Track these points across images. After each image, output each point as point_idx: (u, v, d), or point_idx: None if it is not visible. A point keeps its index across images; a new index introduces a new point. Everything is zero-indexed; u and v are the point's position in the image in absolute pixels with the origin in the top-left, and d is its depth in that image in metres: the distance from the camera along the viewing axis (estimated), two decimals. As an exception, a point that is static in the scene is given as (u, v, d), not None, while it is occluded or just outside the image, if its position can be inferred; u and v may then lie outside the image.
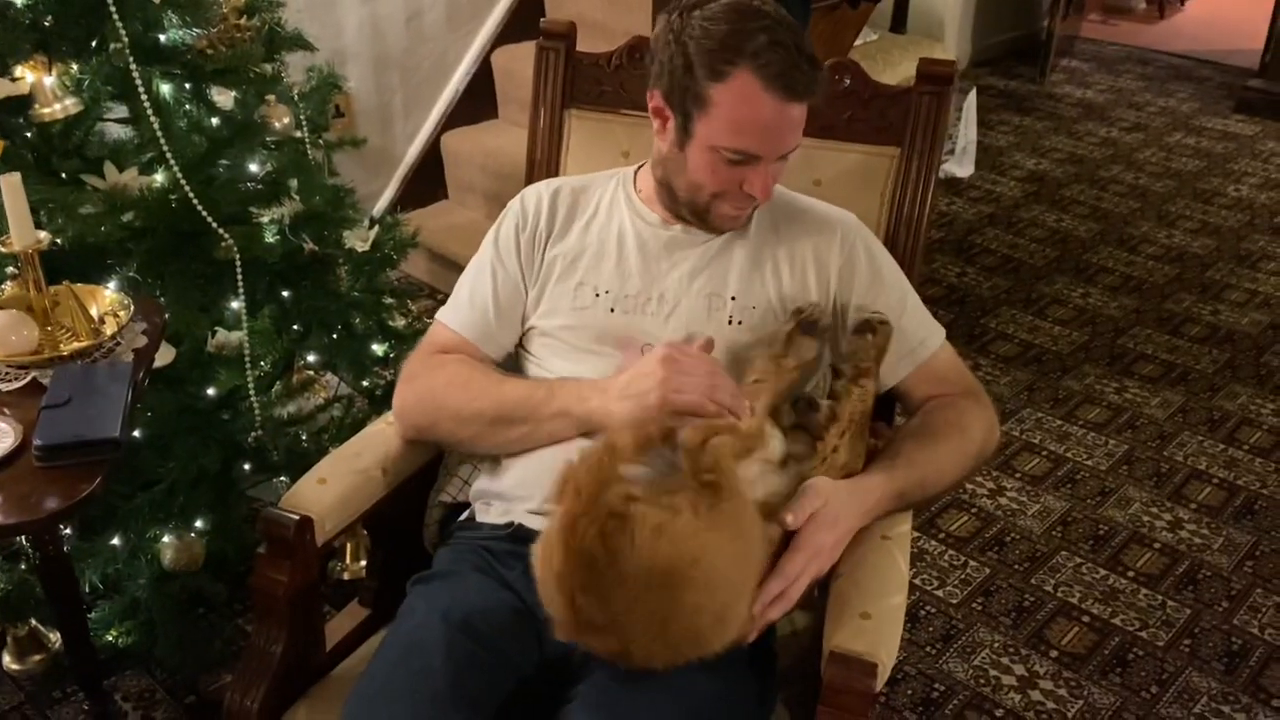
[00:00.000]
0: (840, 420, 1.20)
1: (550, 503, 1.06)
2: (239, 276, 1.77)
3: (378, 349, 2.09)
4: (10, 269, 1.49)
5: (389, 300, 2.13)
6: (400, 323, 2.17)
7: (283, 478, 1.90)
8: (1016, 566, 2.23)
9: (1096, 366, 2.99)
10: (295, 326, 1.90)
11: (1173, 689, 1.93)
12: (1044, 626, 2.07)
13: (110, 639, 1.76)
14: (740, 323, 1.31)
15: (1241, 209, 3.99)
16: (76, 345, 1.30)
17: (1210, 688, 1.94)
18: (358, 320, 2.04)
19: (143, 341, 1.35)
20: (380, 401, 2.09)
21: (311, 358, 1.98)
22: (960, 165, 4.23)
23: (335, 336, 2.00)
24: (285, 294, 1.89)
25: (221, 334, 1.80)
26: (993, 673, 1.96)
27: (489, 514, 1.31)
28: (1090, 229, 3.82)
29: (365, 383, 2.12)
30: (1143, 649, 2.02)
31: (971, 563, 2.24)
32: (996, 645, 2.03)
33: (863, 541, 1.24)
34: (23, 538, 1.67)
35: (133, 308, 1.37)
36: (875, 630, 1.11)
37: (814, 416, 1.21)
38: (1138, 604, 2.13)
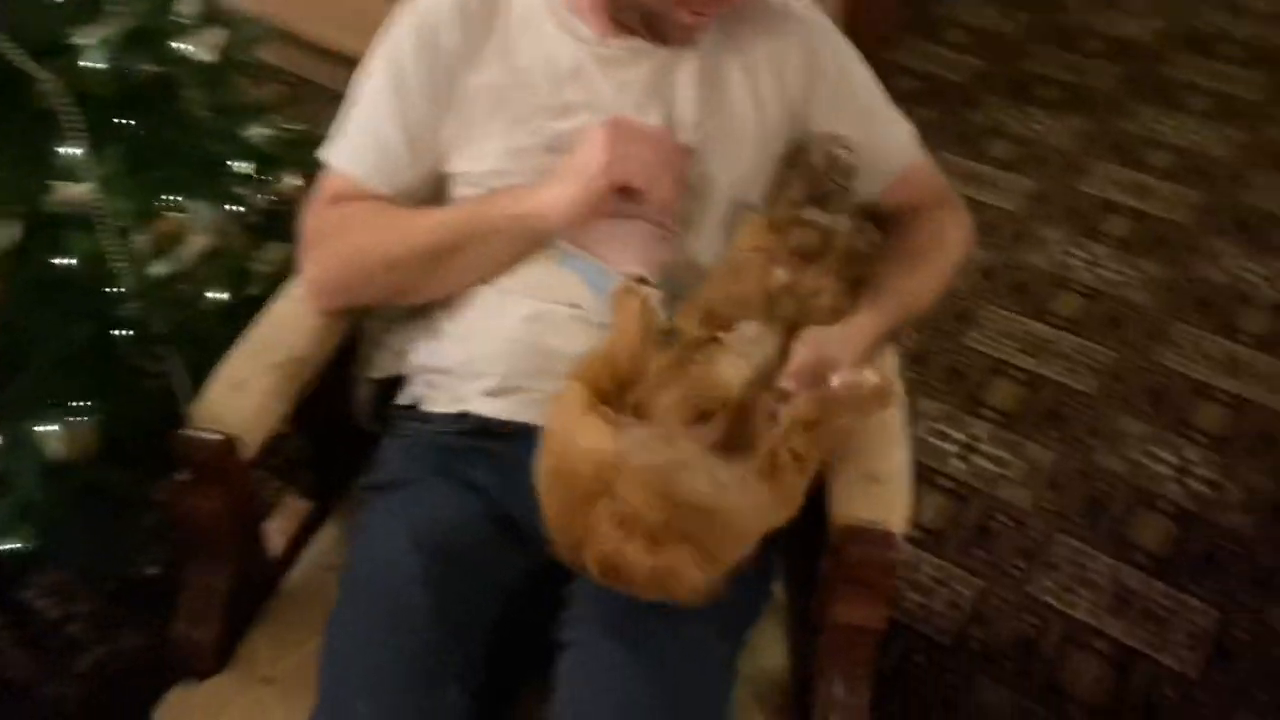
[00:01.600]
0: (829, 257, 1.07)
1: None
2: (68, 117, 1.47)
3: (244, 167, 1.82)
4: None
5: (249, 129, 1.83)
6: (265, 132, 1.89)
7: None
8: (946, 329, 2.21)
9: (998, 96, 2.90)
10: (148, 168, 1.61)
11: (1105, 435, 1.98)
12: (978, 388, 2.08)
13: (7, 547, 1.58)
14: (698, 152, 1.13)
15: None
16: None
17: (1140, 430, 1.99)
18: (216, 145, 1.75)
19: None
20: (263, 231, 1.84)
21: (174, 198, 1.70)
22: None
23: (192, 171, 1.72)
24: (127, 130, 1.59)
25: (62, 189, 1.52)
26: (934, 442, 1.97)
27: (436, 401, 1.15)
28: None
29: (239, 207, 1.86)
30: (1074, 399, 2.06)
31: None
32: (935, 413, 2.03)
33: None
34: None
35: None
36: (886, 494, 1.04)
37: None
38: (1065, 353, 2.15)
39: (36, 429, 1.57)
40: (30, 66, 1.39)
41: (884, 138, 1.19)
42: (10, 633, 1.65)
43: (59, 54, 1.44)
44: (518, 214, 1.08)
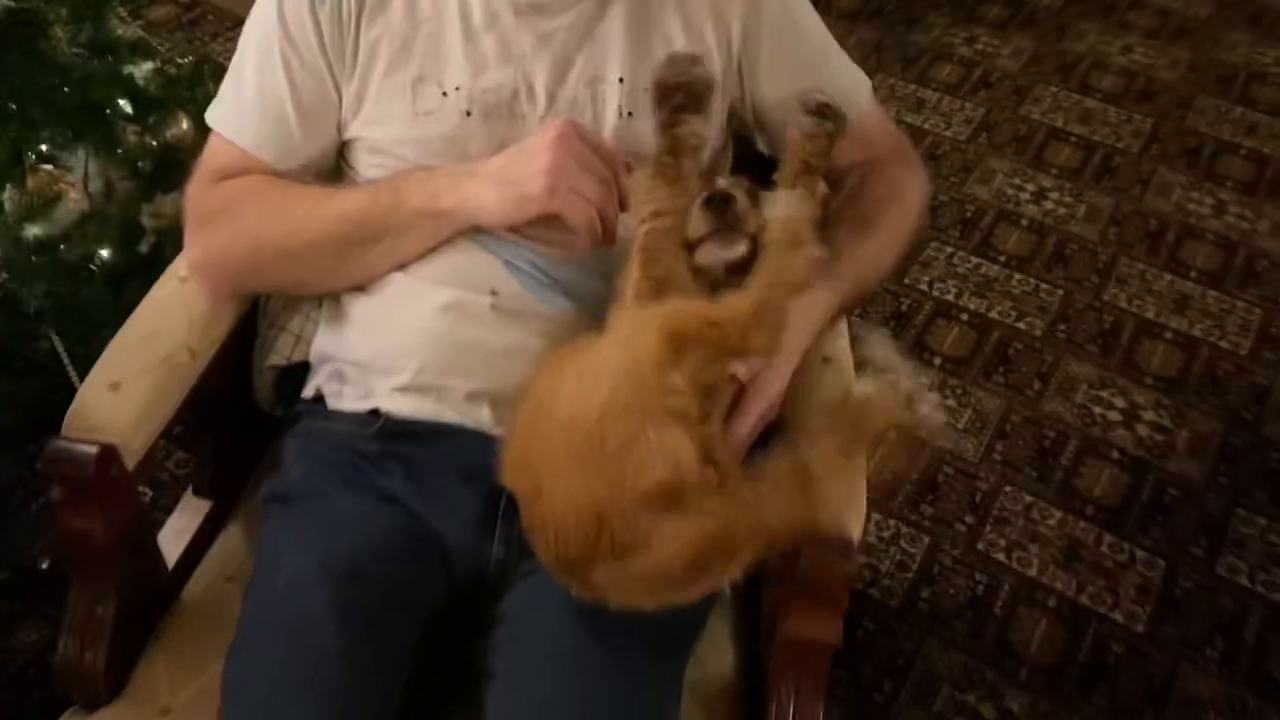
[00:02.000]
0: (773, 229, 0.96)
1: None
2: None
3: (125, 106, 1.65)
4: None
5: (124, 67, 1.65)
6: (146, 67, 1.71)
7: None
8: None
9: (942, 14, 2.78)
10: (13, 119, 1.44)
11: (1054, 381, 1.93)
12: (924, 333, 2.00)
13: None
14: (631, 114, 1.01)
15: None
16: None
17: (1088, 374, 1.94)
18: (96, 88, 1.57)
19: None
20: (150, 182, 1.68)
21: (45, 149, 1.53)
22: None
23: (63, 118, 1.54)
24: (-13, 75, 1.41)
25: (-89, 146, 1.34)
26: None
27: (343, 397, 1.03)
28: None
29: (120, 150, 1.69)
30: (1021, 341, 1.99)
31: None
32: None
33: (802, 370, 1.05)
34: None
35: None
36: (840, 495, 0.95)
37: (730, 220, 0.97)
38: (1012, 292, 2.08)
39: (-96, 414, 1.42)
40: None
41: (839, 82, 1.07)
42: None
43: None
44: (436, 210, 0.95)
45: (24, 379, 1.47)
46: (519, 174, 0.91)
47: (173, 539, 1.15)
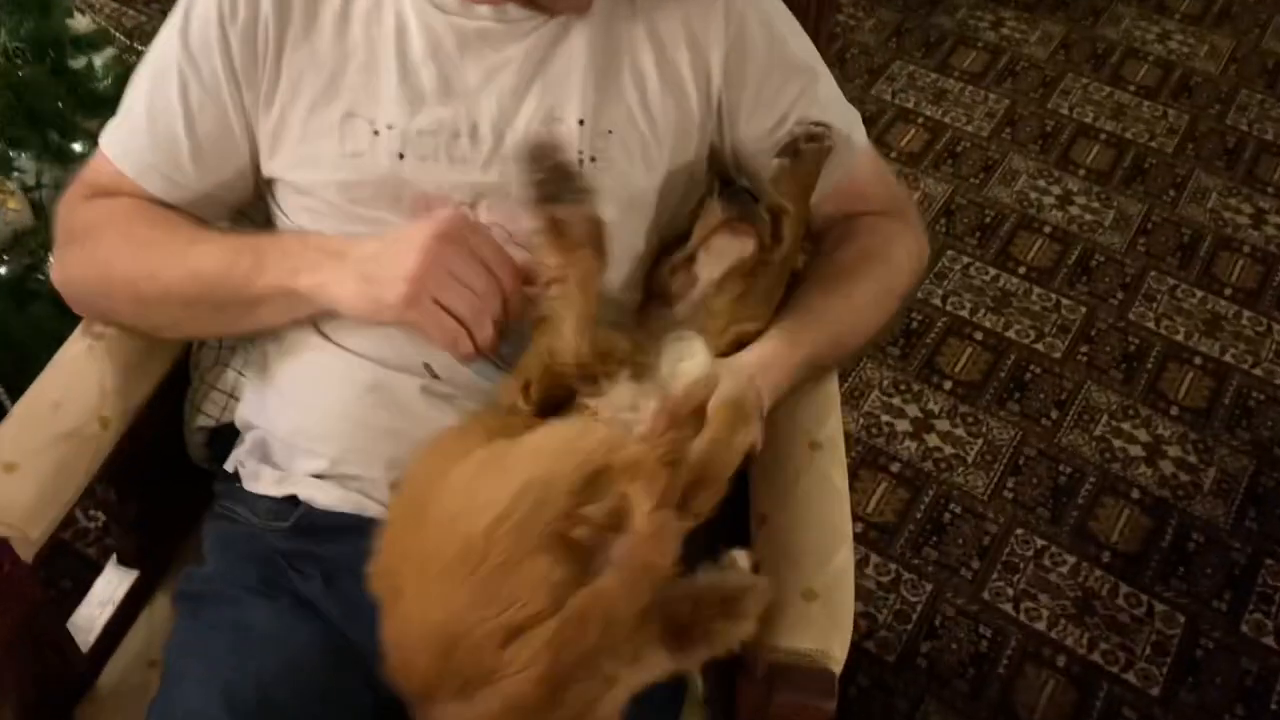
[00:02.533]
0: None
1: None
2: None
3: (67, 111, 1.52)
4: None
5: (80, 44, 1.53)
6: (96, 61, 1.58)
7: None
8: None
9: (968, -4, 2.61)
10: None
11: (1072, 411, 1.80)
12: (935, 353, 1.87)
13: None
14: (594, 160, 0.88)
15: None
16: None
17: (1110, 403, 1.81)
18: (27, 91, 1.45)
19: None
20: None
21: (-16, 156, 1.41)
22: None
23: (6, 119, 1.43)
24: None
25: None
26: (884, 418, 1.78)
27: (259, 479, 0.92)
28: None
29: (80, 149, 1.57)
30: (1040, 364, 1.86)
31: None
32: (886, 384, 1.82)
33: (787, 456, 0.93)
34: None
35: None
36: (824, 615, 0.83)
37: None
38: (1031, 309, 1.95)
39: None
40: None
41: (830, 121, 0.94)
42: None
43: None
44: (292, 290, 0.84)
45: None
46: (383, 272, 0.79)
47: (94, 611, 1.05)
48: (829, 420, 0.96)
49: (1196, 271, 2.01)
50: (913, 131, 2.26)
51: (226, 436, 1.03)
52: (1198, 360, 1.87)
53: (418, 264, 0.77)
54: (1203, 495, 1.69)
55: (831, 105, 0.96)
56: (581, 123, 0.87)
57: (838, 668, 0.83)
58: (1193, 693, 1.48)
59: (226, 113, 0.88)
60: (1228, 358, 1.88)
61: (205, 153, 0.89)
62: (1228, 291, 1.98)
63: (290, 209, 0.91)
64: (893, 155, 2.20)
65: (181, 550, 1.09)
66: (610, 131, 0.88)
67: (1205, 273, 2.01)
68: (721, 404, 0.78)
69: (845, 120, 0.96)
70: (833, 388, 0.99)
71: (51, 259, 0.98)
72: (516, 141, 0.86)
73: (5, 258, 1.47)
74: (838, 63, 2.31)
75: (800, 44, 0.95)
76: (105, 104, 1.53)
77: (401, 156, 0.86)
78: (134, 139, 0.90)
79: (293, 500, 0.90)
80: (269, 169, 0.90)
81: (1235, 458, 1.74)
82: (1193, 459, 1.74)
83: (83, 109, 1.50)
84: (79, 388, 0.95)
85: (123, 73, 1.56)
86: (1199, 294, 1.98)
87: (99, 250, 0.90)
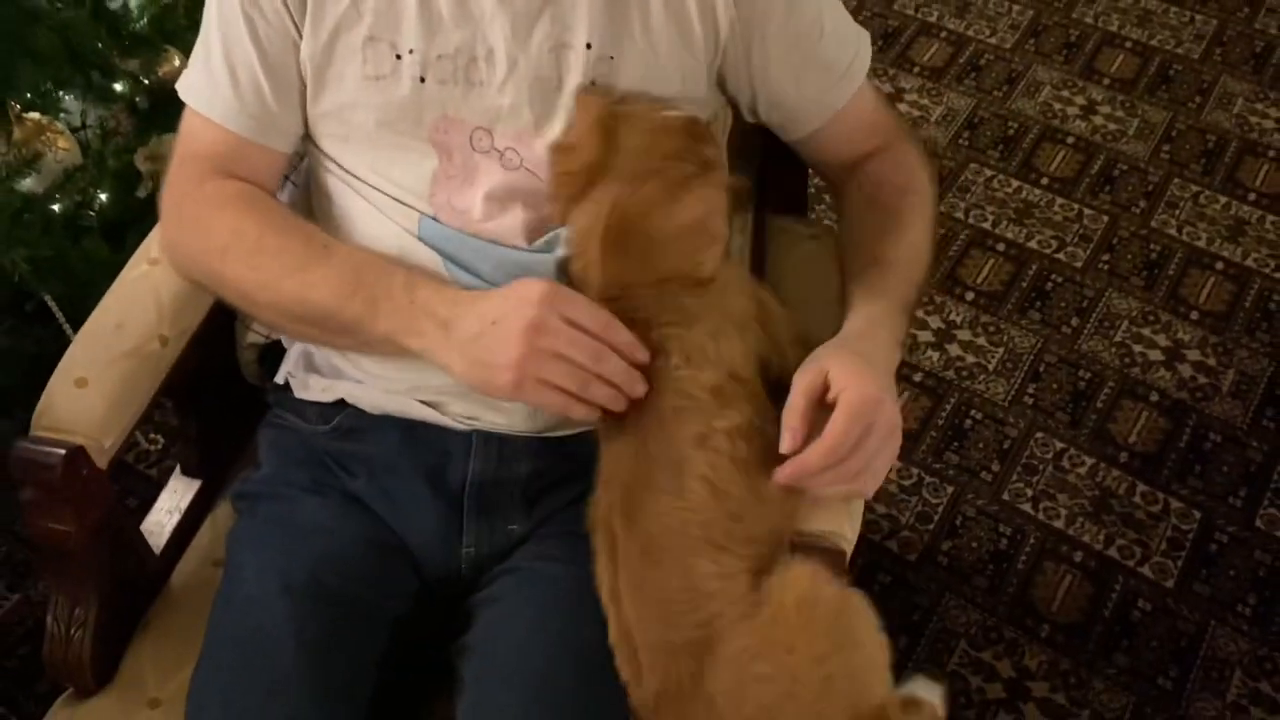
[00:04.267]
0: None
1: None
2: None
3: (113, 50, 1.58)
4: None
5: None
6: (132, 7, 1.63)
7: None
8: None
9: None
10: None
11: (1094, 317, 1.83)
12: (957, 265, 1.91)
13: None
14: (594, 82, 0.91)
15: None
16: None
17: (1131, 309, 1.84)
18: (80, 27, 1.51)
19: None
20: (149, 116, 1.62)
21: (30, 98, 1.48)
22: None
23: (53, 57, 1.48)
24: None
25: (-114, 103, 1.30)
26: (913, 331, 1.82)
27: (309, 387, 0.99)
28: None
29: (121, 88, 1.63)
30: (1061, 273, 1.89)
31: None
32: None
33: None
34: None
35: None
36: (836, 501, 0.90)
37: None
38: (1053, 219, 1.97)
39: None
40: None
41: (834, 55, 0.97)
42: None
43: None
44: (402, 346, 0.87)
45: (22, 336, 1.45)
46: (487, 358, 0.82)
47: (162, 519, 1.14)
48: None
49: (1220, 177, 2.02)
50: (936, 46, 2.26)
51: (276, 354, 1.10)
52: (1219, 265, 1.89)
53: (518, 355, 0.80)
54: (1221, 397, 1.73)
55: (841, 27, 0.98)
56: (589, 46, 0.91)
57: (849, 546, 0.90)
58: (1206, 584, 1.54)
59: (290, 41, 0.91)
60: (1249, 262, 1.90)
61: (284, 86, 0.93)
62: (1251, 196, 1.99)
63: (326, 144, 0.96)
64: (916, 70, 2.21)
65: (238, 460, 1.18)
66: (613, 58, 0.91)
67: (1229, 178, 2.02)
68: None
69: (855, 44, 0.99)
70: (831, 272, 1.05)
71: (157, 231, 1.02)
72: (529, 65, 0.90)
73: (57, 196, 1.54)
74: (860, -22, 2.31)
75: None
76: (143, 43, 1.58)
77: (422, 80, 0.91)
78: (218, 90, 0.93)
79: (339, 404, 0.97)
80: (315, 103, 0.95)
81: (1255, 360, 1.77)
82: (1211, 362, 1.77)
83: (122, 49, 1.56)
84: (139, 309, 1.02)
85: (157, 13, 1.62)
86: (1222, 199, 1.99)
87: (211, 241, 0.94)
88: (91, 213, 1.57)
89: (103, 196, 1.56)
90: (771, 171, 1.15)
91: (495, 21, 0.90)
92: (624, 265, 0.85)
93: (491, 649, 0.87)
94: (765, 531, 0.84)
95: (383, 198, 0.94)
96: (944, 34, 2.28)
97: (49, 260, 1.39)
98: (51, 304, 1.41)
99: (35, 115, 1.50)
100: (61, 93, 1.52)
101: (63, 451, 0.92)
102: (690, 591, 0.81)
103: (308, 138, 0.98)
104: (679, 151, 0.86)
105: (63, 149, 1.52)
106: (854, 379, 0.82)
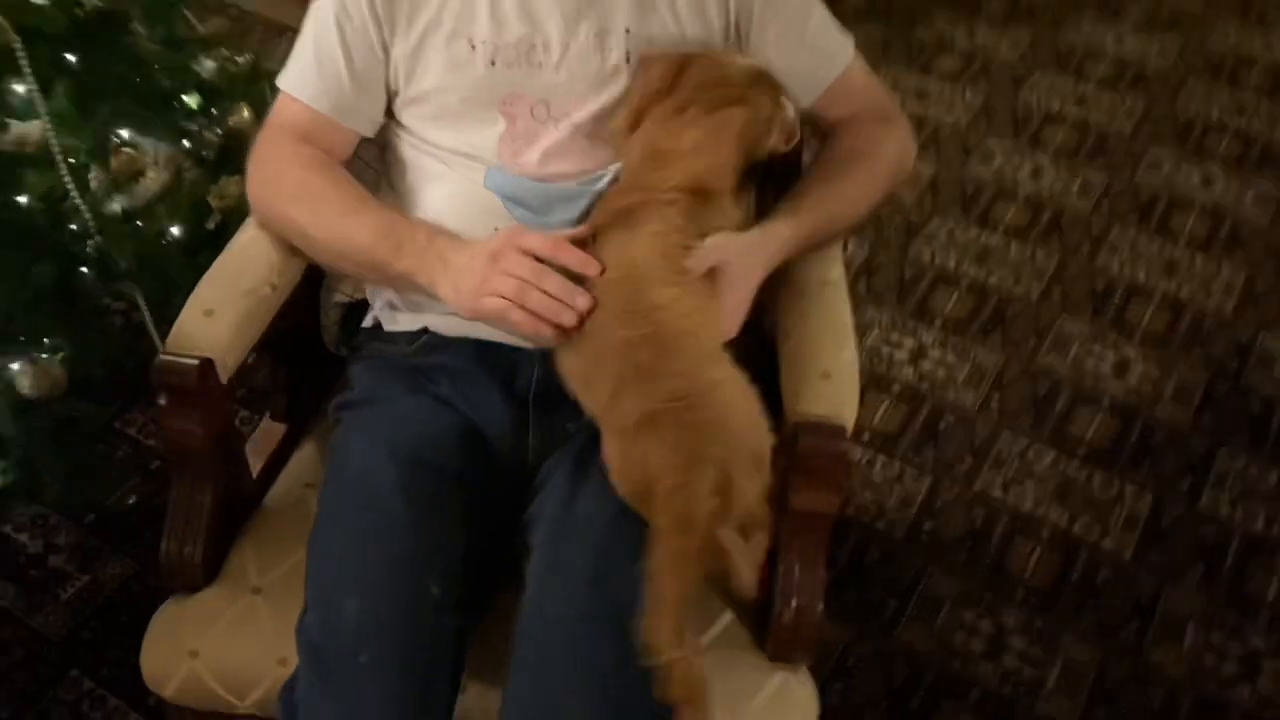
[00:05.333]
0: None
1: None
2: (18, 53, 1.47)
3: (190, 102, 1.83)
4: None
5: (196, 60, 1.83)
6: (210, 66, 1.89)
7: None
8: (894, 240, 2.27)
9: (945, 10, 2.93)
10: (99, 104, 1.62)
11: (1048, 339, 2.07)
12: (926, 297, 2.15)
13: (-12, 482, 1.62)
14: (634, 59, 1.16)
15: None
16: None
17: (1081, 331, 2.08)
18: (166, 80, 1.75)
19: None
20: (215, 167, 1.85)
21: (126, 134, 1.71)
22: None
23: (143, 106, 1.72)
24: (76, 67, 1.59)
25: (16, 127, 1.52)
26: (885, 349, 2.04)
27: (396, 321, 1.20)
28: None
29: (187, 144, 1.87)
30: (1019, 304, 2.13)
31: (851, 244, 2.26)
32: (885, 322, 2.10)
33: (802, 291, 1.20)
34: None
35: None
36: (837, 390, 1.10)
37: None
38: (1009, 260, 2.22)
39: (6, 367, 1.60)
40: (-24, 3, 1.39)
41: (821, 42, 1.20)
42: (-4, 567, 1.69)
43: (4, -10, 1.44)
44: (414, 282, 1.10)
45: (106, 336, 1.64)
46: (462, 284, 1.05)
47: (253, 456, 1.32)
48: (835, 267, 1.24)
49: (1155, 225, 2.30)
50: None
51: (352, 320, 1.30)
52: (1158, 298, 2.14)
53: (480, 278, 1.03)
54: (1165, 401, 1.95)
55: (825, 27, 1.22)
56: (628, 31, 1.15)
57: (848, 425, 1.09)
58: (1161, 554, 1.73)
59: (373, 46, 1.16)
60: (1183, 295, 2.15)
61: (363, 82, 1.17)
62: (1183, 240, 2.26)
63: (410, 119, 1.19)
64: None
65: (319, 410, 1.36)
66: (650, 37, 1.15)
67: (1163, 226, 2.29)
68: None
69: (837, 39, 1.23)
70: (837, 249, 1.27)
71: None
72: (578, 49, 1.14)
73: (139, 222, 1.76)
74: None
75: None
76: (219, 96, 1.83)
77: (493, 63, 1.15)
78: (306, 76, 1.18)
79: (422, 331, 1.17)
80: (399, 88, 1.19)
81: (1192, 372, 2.00)
82: (1155, 373, 2.00)
83: (203, 99, 1.81)
84: (253, 261, 1.22)
85: (233, 72, 1.88)
86: (1158, 242, 2.26)
87: (281, 187, 1.17)
88: (166, 241, 1.79)
89: (174, 230, 1.78)
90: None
91: (550, 16, 1.14)
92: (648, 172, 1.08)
93: (556, 515, 1.05)
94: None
95: (457, 158, 1.17)
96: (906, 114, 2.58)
97: (145, 260, 1.60)
98: (142, 302, 1.61)
99: (130, 150, 1.73)
100: (151, 133, 1.75)
101: (196, 361, 1.12)
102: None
103: (392, 120, 1.21)
104: (722, 84, 1.09)
105: (150, 179, 1.76)
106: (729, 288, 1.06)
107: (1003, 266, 2.21)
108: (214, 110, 1.84)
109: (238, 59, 1.97)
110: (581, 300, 1.02)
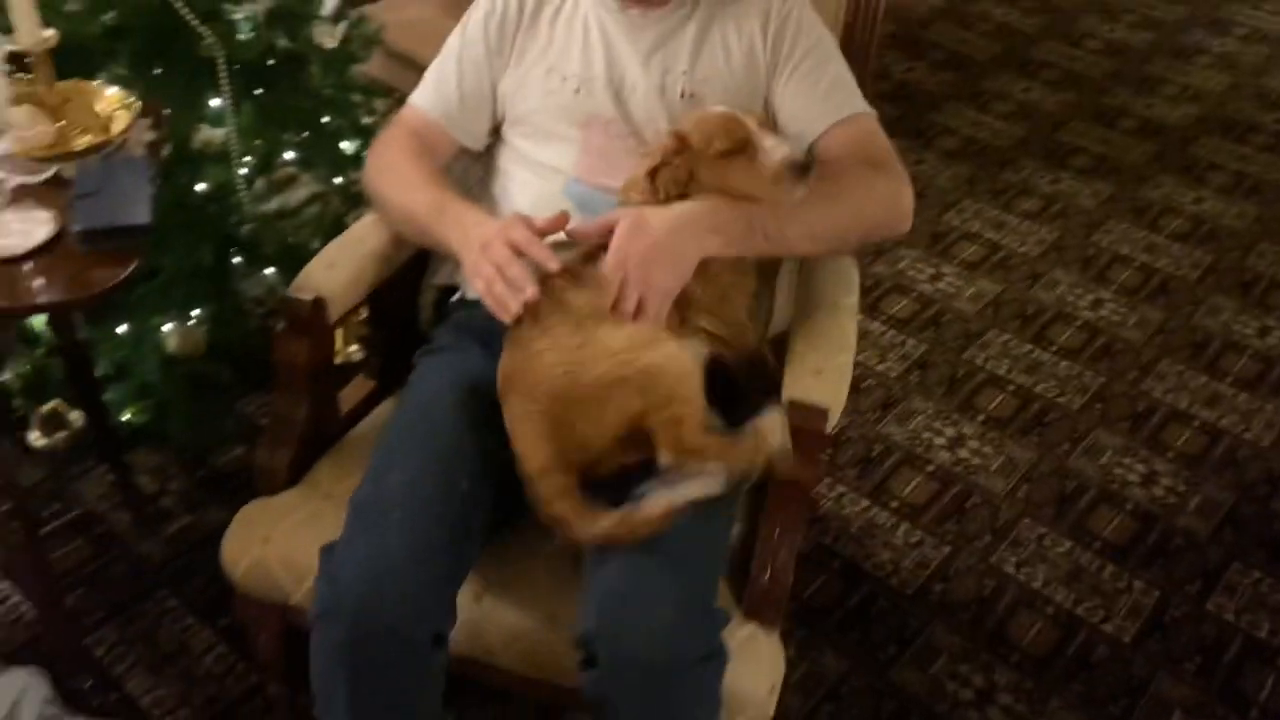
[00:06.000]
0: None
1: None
2: (221, 73, 1.82)
3: (348, 147, 2.17)
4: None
5: (358, 98, 2.18)
6: (368, 120, 2.24)
7: (270, 270, 2.01)
8: (951, 344, 2.44)
9: (1034, 159, 3.15)
10: (273, 125, 1.96)
11: (1082, 445, 2.19)
12: (973, 395, 2.30)
13: (125, 418, 1.90)
14: (692, 95, 1.41)
15: (1184, 1, 4.07)
16: (89, 140, 1.38)
17: (1115, 443, 2.19)
18: (330, 118, 2.10)
19: (151, 136, 1.43)
20: (355, 199, 2.18)
21: (289, 155, 2.05)
22: (913, -43, 4.23)
23: (310, 134, 2.07)
24: (261, 93, 1.94)
25: (206, 130, 1.87)
26: (925, 435, 2.20)
27: (474, 291, 1.45)
28: (1037, 23, 3.90)
29: (339, 180, 2.20)
30: (1059, 412, 2.27)
31: (910, 340, 2.44)
32: (930, 412, 2.26)
33: (814, 309, 1.41)
34: (41, 323, 1.79)
35: (138, 105, 1.45)
36: (826, 383, 1.29)
37: None
38: (1058, 374, 2.37)
39: (159, 327, 1.91)
40: (198, 26, 1.75)
41: (834, 90, 1.41)
42: (117, 496, 1.96)
43: (218, 19, 1.80)
44: (447, 246, 1.35)
45: (243, 310, 1.94)
46: (466, 260, 1.29)
47: (346, 401, 1.57)
48: (850, 295, 1.44)
49: (1204, 363, 2.41)
50: (972, 247, 2.76)
51: (442, 306, 1.56)
52: (1196, 424, 2.25)
53: (474, 258, 1.26)
54: (1187, 513, 2.04)
55: (843, 80, 1.42)
56: (685, 72, 1.41)
57: (832, 413, 1.27)
58: (1159, 644, 1.80)
59: (483, 75, 1.46)
60: (1223, 425, 2.25)
61: (471, 103, 1.47)
62: (1230, 379, 2.37)
63: (512, 136, 1.48)
64: (954, 262, 2.69)
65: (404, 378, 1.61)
66: (704, 78, 1.41)
67: (1212, 364, 2.41)
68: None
69: (851, 93, 1.43)
70: (854, 275, 1.47)
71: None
72: (650, 84, 1.40)
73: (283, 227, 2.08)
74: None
75: (824, 35, 1.43)
76: (369, 134, 2.17)
77: (578, 92, 1.43)
78: (425, 90, 1.49)
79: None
80: (505, 109, 1.47)
81: (1220, 492, 2.09)
82: (1182, 488, 2.09)
83: (358, 138, 2.15)
84: (371, 234, 1.51)
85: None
86: (1205, 378, 2.37)
87: (382, 160, 1.47)
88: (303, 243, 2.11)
89: (314, 244, 2.09)
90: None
91: (629, 58, 1.42)
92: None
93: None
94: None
95: (545, 168, 1.43)
96: (981, 240, 2.79)
97: (288, 249, 1.91)
98: (280, 283, 1.91)
99: (289, 169, 2.07)
100: (311, 157, 2.09)
101: (312, 297, 1.38)
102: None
103: (497, 139, 1.50)
104: (720, 130, 1.30)
105: (301, 191, 2.08)
106: (619, 236, 1.23)
107: (1050, 379, 2.35)
108: (365, 153, 2.17)
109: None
110: (530, 291, 1.22)
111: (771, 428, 1.21)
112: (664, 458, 1.18)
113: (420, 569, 1.15)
